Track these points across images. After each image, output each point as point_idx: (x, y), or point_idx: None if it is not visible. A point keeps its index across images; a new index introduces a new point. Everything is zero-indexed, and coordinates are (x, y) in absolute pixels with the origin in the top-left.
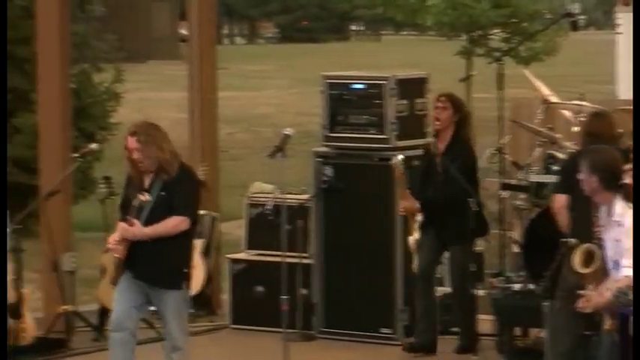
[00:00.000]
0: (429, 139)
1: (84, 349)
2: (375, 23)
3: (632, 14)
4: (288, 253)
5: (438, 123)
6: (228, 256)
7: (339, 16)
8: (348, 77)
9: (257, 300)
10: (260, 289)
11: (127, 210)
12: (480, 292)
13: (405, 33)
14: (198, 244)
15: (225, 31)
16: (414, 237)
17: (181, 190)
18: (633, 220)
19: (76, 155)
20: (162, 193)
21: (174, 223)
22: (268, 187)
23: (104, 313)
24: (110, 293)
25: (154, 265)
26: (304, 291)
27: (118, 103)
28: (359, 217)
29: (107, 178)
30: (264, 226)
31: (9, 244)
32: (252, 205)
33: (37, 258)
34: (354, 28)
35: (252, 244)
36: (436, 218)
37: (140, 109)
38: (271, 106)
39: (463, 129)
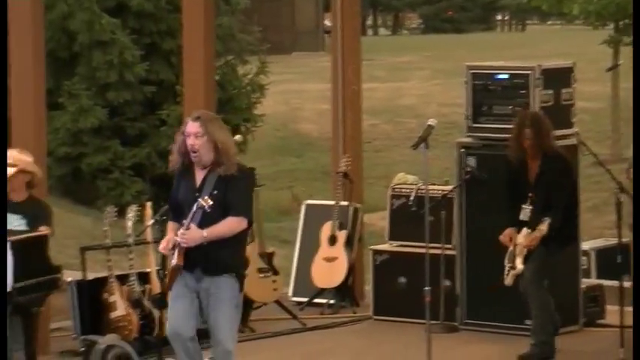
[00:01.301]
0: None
1: None
2: (520, 13)
3: None
4: (430, 245)
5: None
6: (371, 247)
7: (484, 6)
8: (493, 67)
9: (400, 291)
10: (403, 280)
11: (178, 210)
12: (626, 284)
13: (550, 23)
14: (341, 235)
15: (370, 22)
16: (518, 267)
17: (237, 189)
18: (633, 220)
19: None
20: (215, 192)
21: (232, 225)
22: (411, 178)
23: (248, 303)
24: (255, 284)
25: (210, 261)
26: (447, 282)
27: (263, 95)
28: (502, 207)
29: (251, 170)
30: (407, 218)
31: (154, 234)
32: (395, 197)
33: None
34: (499, 18)
35: (394, 235)
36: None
37: (284, 100)
38: (415, 97)
39: (546, 143)
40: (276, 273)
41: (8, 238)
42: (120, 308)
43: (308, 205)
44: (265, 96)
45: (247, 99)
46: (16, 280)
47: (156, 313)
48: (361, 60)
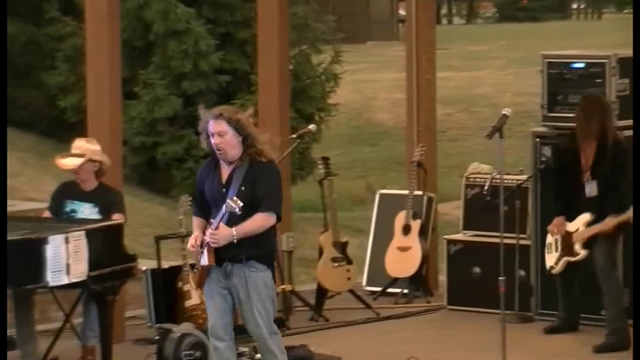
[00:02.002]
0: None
1: (301, 329)
2: (596, 1)
3: None
4: (505, 234)
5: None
6: (445, 237)
7: None
8: (568, 56)
9: (474, 281)
10: (477, 270)
11: (203, 205)
12: None
13: (627, 11)
14: (415, 224)
15: (444, 11)
16: (581, 252)
17: (265, 184)
18: (633, 221)
19: (294, 136)
20: (243, 189)
21: (261, 222)
22: (486, 167)
23: (322, 292)
24: (329, 273)
25: (237, 253)
26: (522, 272)
27: (337, 84)
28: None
29: (325, 159)
30: (482, 207)
31: None
32: (470, 186)
33: None
34: (574, 6)
35: (469, 225)
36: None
37: (358, 90)
38: (489, 86)
39: (610, 126)
40: (349, 262)
41: (84, 227)
42: (194, 297)
43: (382, 195)
44: (339, 85)
45: (321, 88)
46: (91, 268)
47: None
48: (435, 49)
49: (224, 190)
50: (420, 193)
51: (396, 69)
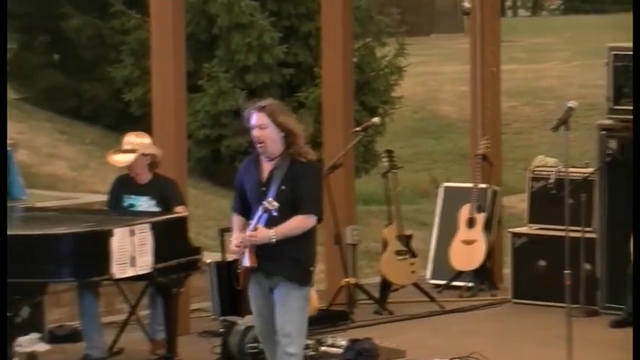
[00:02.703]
0: None
1: (365, 322)
2: None
3: None
4: (570, 227)
5: None
6: (510, 230)
7: None
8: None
9: (539, 274)
10: (542, 263)
11: (243, 201)
12: None
13: None
14: (479, 218)
15: (509, 3)
16: None
17: (305, 185)
18: (633, 221)
19: (359, 129)
20: (283, 187)
21: (301, 223)
22: (551, 160)
23: (386, 286)
24: (393, 266)
25: (280, 262)
26: (587, 266)
27: (401, 77)
28: None
29: (389, 152)
30: (547, 200)
31: None
32: (535, 179)
33: (321, 231)
34: None
35: (534, 218)
36: None
37: (422, 82)
38: (554, 78)
39: None
40: (414, 255)
41: (150, 220)
42: None
43: (446, 188)
44: (403, 78)
45: (385, 81)
46: (156, 261)
47: None
48: (500, 41)
49: (264, 188)
50: (484, 186)
51: (460, 61)
